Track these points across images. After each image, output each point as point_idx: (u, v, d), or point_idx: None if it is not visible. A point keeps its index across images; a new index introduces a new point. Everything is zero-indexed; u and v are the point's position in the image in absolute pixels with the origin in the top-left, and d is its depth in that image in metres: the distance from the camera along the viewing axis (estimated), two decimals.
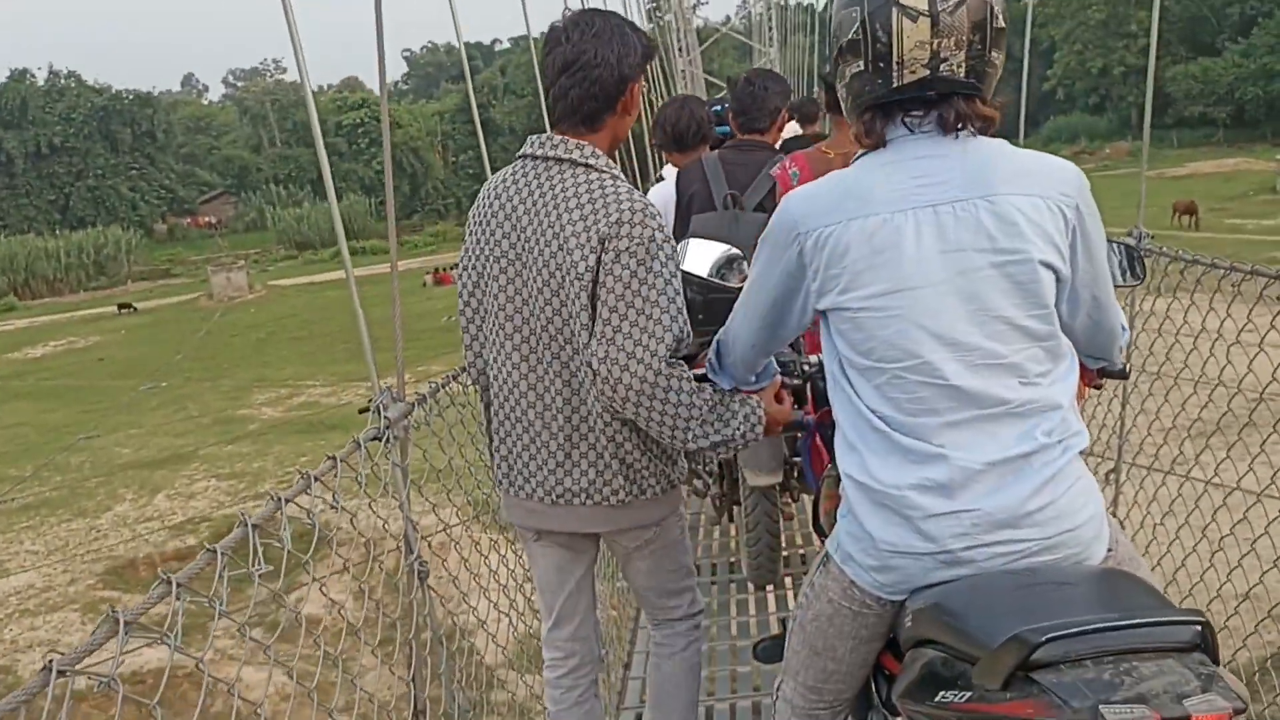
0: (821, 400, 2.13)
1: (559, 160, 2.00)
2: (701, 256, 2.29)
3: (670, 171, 4.27)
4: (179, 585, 1.39)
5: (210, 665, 1.48)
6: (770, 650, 2.22)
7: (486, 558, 2.94)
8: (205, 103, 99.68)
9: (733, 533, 4.66)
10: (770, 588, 4.09)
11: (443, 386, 2.63)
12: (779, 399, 2.09)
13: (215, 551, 1.50)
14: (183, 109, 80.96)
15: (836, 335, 1.62)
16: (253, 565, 1.55)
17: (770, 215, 1.70)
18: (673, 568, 2.29)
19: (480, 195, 2.12)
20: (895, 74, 1.53)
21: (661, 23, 29.17)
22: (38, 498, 16.21)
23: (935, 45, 1.50)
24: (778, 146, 3.77)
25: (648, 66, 2.12)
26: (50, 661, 1.20)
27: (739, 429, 1.95)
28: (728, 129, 3.92)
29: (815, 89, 22.64)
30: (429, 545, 2.48)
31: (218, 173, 71.92)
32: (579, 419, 2.04)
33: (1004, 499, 1.50)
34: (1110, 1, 54.50)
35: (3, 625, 11.29)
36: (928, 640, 1.51)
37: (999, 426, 1.52)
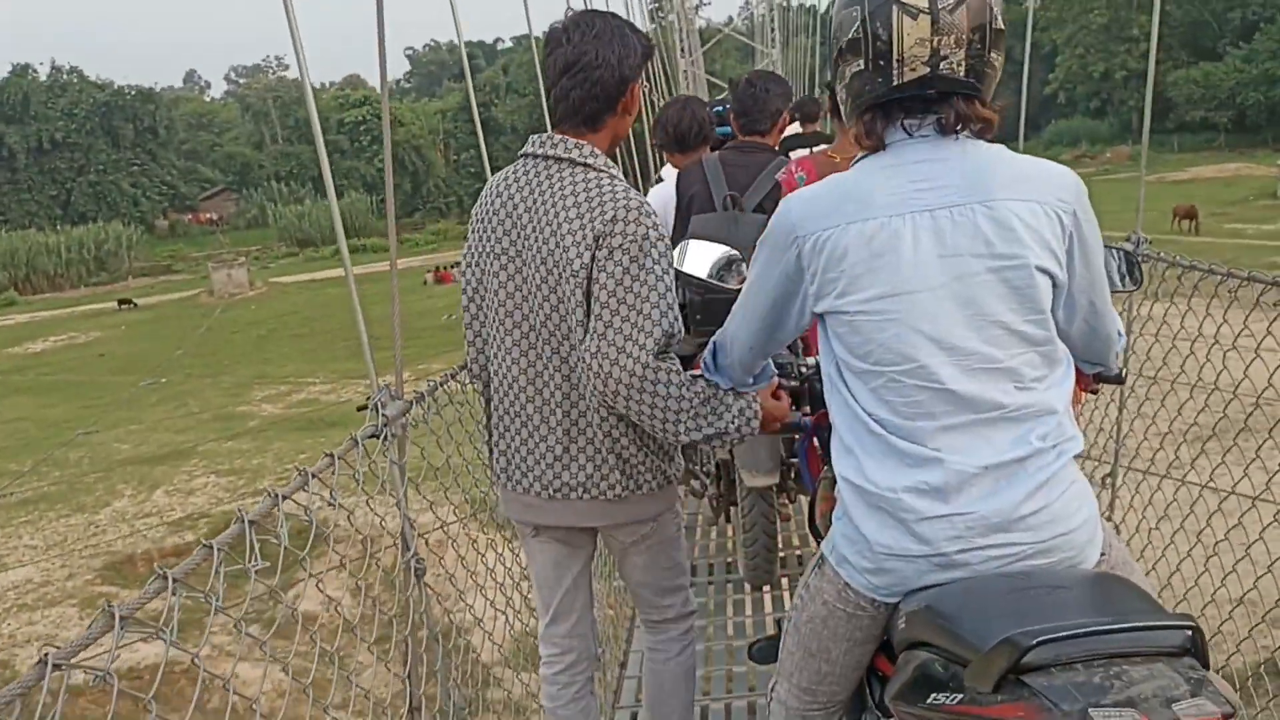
0: (819, 402, 2.13)
1: (558, 159, 2.03)
2: (700, 258, 2.29)
3: (669, 172, 4.27)
4: (175, 580, 1.39)
5: (207, 661, 1.49)
6: (765, 651, 2.23)
7: (483, 556, 2.94)
8: (207, 99, 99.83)
9: (730, 533, 4.67)
10: (767, 588, 4.09)
11: (441, 385, 2.64)
12: (776, 398, 2.11)
13: (212, 547, 1.51)
14: (185, 105, 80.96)
15: (834, 338, 1.63)
16: (249, 561, 1.55)
17: (770, 217, 1.71)
18: (668, 565, 2.30)
19: (483, 194, 2.16)
20: (895, 72, 1.53)
21: (664, 23, 29.18)
22: (36, 493, 16.20)
23: (935, 43, 1.51)
24: (777, 146, 3.78)
25: (648, 66, 2.14)
26: (45, 655, 1.20)
27: (732, 422, 1.96)
28: (728, 129, 3.92)
29: (817, 90, 22.67)
30: (426, 543, 2.49)
31: (219, 169, 71.88)
32: (577, 414, 2.07)
33: (998, 503, 1.50)
34: (1112, 6, 54.49)
35: (0, 620, 11.29)
36: (921, 642, 1.52)
37: (994, 431, 1.52)
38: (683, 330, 1.97)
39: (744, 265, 2.22)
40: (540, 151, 2.05)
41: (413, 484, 2.38)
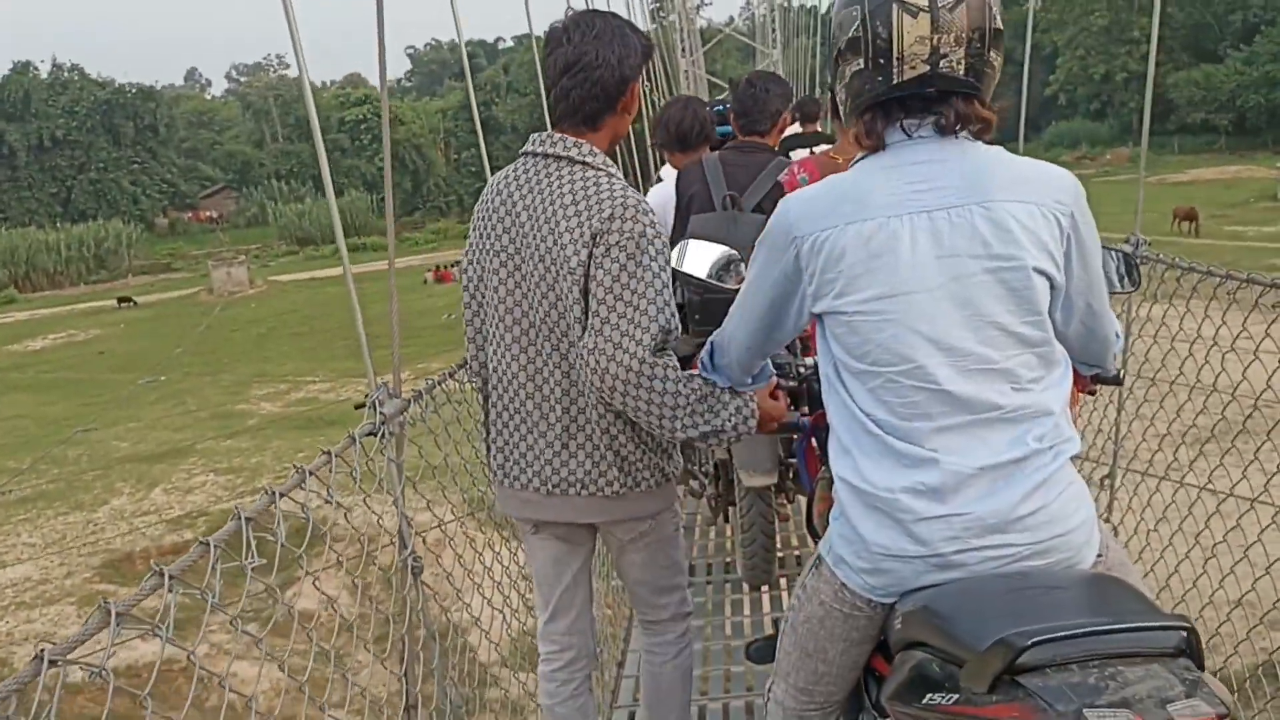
0: (817, 403, 2.13)
1: (558, 157, 2.04)
2: (699, 257, 2.30)
3: (669, 172, 4.27)
4: (172, 578, 1.39)
5: (204, 659, 1.49)
6: (763, 651, 2.23)
7: (481, 555, 2.94)
8: (208, 97, 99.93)
9: (728, 533, 4.66)
10: (765, 588, 4.10)
11: (439, 383, 2.64)
12: (774, 398, 2.11)
13: (209, 545, 1.51)
14: (185, 103, 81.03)
15: (832, 339, 1.63)
16: (246, 559, 1.55)
17: (769, 217, 1.71)
18: (666, 564, 2.31)
19: (484, 192, 2.18)
20: (895, 70, 1.54)
21: (665, 23, 29.19)
22: (35, 490, 16.20)
23: (935, 41, 1.51)
24: (777, 146, 3.78)
25: (648, 66, 2.15)
26: (41, 651, 1.20)
27: (729, 421, 1.96)
28: (728, 129, 3.92)
29: (817, 90, 22.68)
30: (424, 541, 2.49)
31: (219, 167, 71.90)
32: (576, 410, 2.08)
33: (995, 503, 1.50)
34: (1113, 7, 54.52)
35: None
36: (917, 642, 1.52)
37: (991, 431, 1.53)
38: (680, 328, 1.97)
39: (743, 265, 2.22)
40: (540, 150, 2.07)
41: (410, 482, 2.38)
